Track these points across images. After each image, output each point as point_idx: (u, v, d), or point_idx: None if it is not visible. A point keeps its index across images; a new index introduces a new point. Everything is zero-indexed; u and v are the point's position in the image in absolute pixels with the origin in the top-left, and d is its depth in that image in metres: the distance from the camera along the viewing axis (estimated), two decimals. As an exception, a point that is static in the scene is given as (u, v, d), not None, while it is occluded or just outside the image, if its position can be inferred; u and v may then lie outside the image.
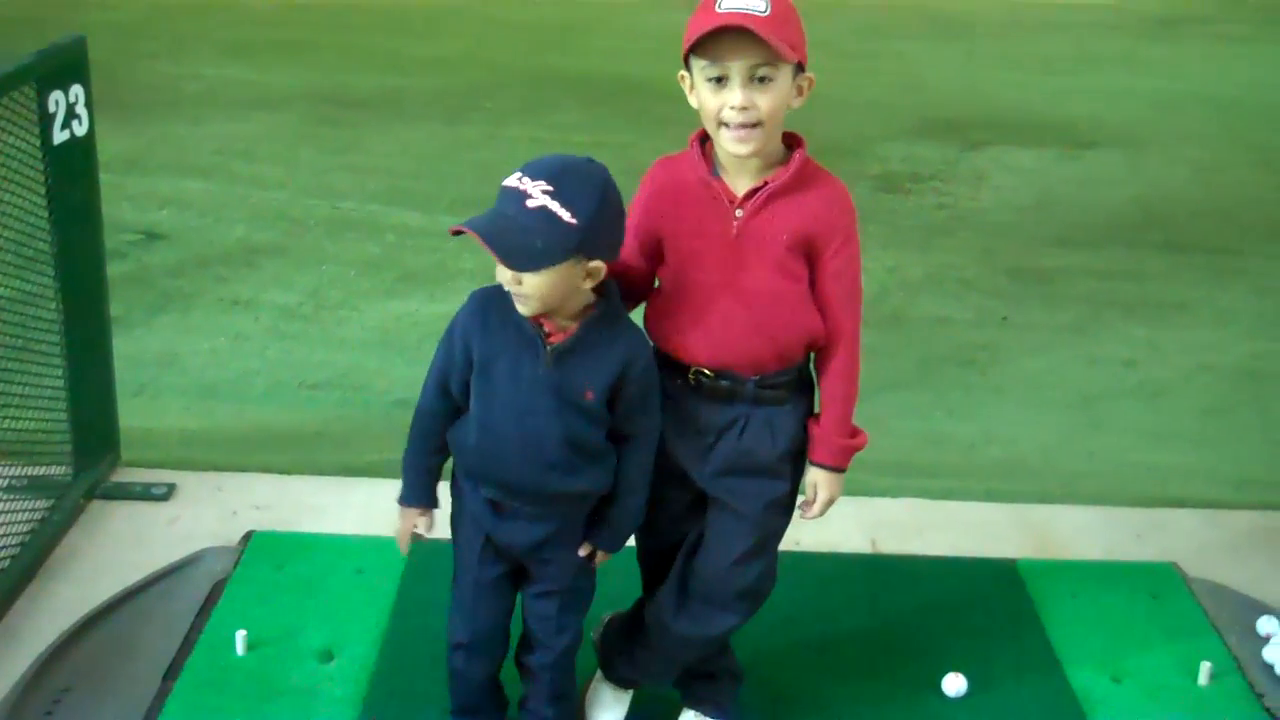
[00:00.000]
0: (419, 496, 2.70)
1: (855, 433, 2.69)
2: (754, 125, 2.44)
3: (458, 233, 2.36)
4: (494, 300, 2.53)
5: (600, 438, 2.58)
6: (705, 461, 2.68)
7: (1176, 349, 5.43)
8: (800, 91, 2.49)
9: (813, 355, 2.68)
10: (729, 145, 2.47)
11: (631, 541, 2.82)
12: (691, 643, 2.83)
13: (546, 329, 2.50)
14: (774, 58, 2.40)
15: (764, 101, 2.42)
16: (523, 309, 2.47)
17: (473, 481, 2.65)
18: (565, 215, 2.35)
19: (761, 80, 2.42)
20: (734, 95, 2.42)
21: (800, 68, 2.47)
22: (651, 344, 2.65)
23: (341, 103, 8.04)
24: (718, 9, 2.39)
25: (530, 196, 2.34)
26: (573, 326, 2.50)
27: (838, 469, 2.68)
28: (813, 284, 2.59)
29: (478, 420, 2.56)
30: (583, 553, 2.70)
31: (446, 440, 2.64)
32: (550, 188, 2.35)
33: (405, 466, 2.70)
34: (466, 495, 2.68)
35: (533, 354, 2.50)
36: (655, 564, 2.88)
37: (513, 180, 2.38)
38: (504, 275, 2.42)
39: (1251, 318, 5.74)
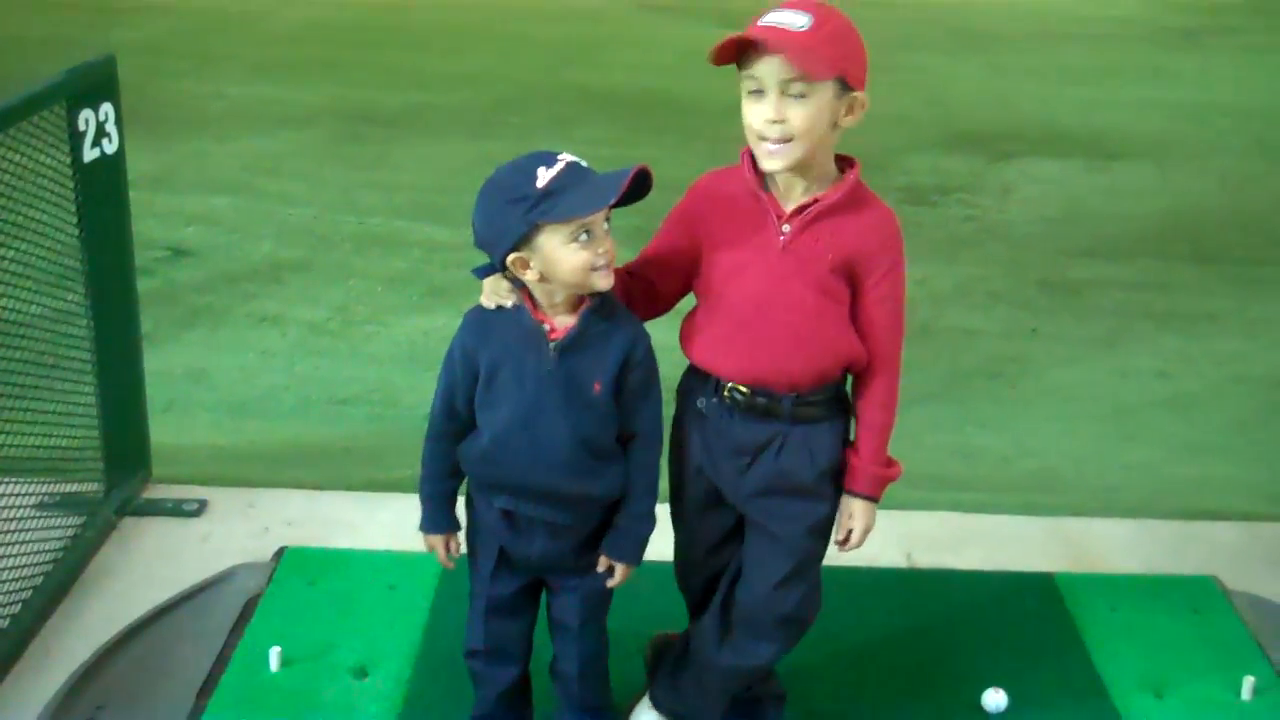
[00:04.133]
0: (438, 523, 2.72)
1: (891, 463, 2.66)
2: (787, 140, 2.39)
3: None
4: (488, 314, 2.54)
5: (610, 437, 2.57)
6: (742, 482, 2.64)
7: (1208, 360, 5.40)
8: (851, 109, 2.43)
9: (850, 380, 2.64)
10: (761, 159, 2.45)
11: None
12: (735, 674, 2.80)
13: (547, 326, 2.49)
14: (802, 75, 2.36)
15: (796, 117, 2.37)
16: (608, 281, 2.46)
17: (485, 494, 2.64)
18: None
19: (796, 96, 2.38)
20: (767, 108, 2.39)
21: (845, 85, 2.40)
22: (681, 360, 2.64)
23: (367, 119, 8.06)
24: (760, 21, 2.37)
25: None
26: (571, 321, 2.50)
27: (874, 499, 2.65)
28: (854, 309, 2.55)
29: (486, 428, 2.56)
30: (601, 569, 2.68)
31: (457, 459, 2.63)
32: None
33: (422, 495, 2.70)
34: (480, 509, 2.68)
35: (537, 354, 2.49)
36: (698, 593, 2.85)
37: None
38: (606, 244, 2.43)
39: (1282, 328, 5.68)
